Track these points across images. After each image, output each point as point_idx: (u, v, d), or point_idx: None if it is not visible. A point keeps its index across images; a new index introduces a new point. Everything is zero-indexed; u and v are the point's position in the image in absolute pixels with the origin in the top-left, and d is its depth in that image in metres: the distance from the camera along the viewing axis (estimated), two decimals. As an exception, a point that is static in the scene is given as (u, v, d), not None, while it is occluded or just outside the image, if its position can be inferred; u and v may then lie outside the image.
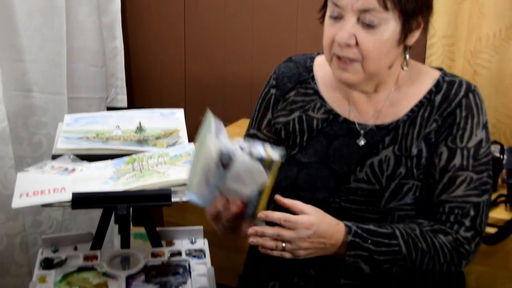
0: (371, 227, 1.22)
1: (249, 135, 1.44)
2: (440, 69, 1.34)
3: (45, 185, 1.42)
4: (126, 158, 1.55)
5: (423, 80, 1.31)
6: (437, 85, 1.30)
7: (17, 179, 1.47)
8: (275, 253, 1.16)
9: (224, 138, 1.08)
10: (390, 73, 1.29)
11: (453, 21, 2.05)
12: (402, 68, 1.29)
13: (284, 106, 1.39)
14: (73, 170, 1.48)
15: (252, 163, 1.07)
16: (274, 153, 1.09)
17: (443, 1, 2.02)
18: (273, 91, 1.40)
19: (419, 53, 2.12)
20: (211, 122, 1.09)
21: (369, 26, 1.19)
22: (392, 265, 1.22)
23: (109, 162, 1.53)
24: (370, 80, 1.28)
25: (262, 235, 1.14)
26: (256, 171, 1.09)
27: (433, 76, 1.32)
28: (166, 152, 1.56)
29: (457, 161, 1.25)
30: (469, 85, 1.30)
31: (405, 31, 1.22)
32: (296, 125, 1.36)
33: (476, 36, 2.03)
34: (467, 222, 1.24)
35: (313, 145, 1.34)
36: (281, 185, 1.36)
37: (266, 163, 1.08)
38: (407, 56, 1.27)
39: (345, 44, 1.20)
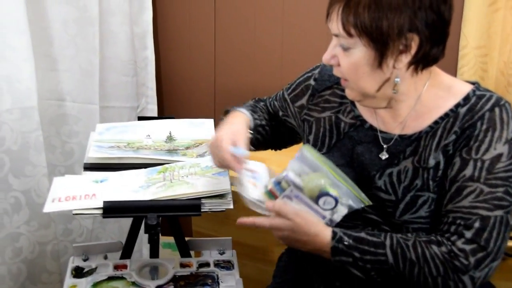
0: (361, 234, 1.22)
1: (283, 97, 1.52)
2: (474, 83, 1.29)
3: (77, 191, 1.44)
4: (159, 167, 1.56)
5: (453, 95, 1.27)
6: (466, 99, 1.26)
7: (52, 183, 1.49)
8: None
9: None
10: (398, 93, 1.25)
11: (486, 32, 2.02)
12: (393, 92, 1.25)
13: (318, 101, 1.42)
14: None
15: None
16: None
17: (476, 11, 2.00)
18: (312, 83, 1.43)
19: (450, 64, 2.10)
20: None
21: (344, 49, 1.22)
22: (380, 274, 1.21)
23: (142, 170, 1.55)
24: (371, 98, 1.26)
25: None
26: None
27: (464, 91, 1.27)
28: (197, 162, 1.56)
29: (467, 171, 1.21)
30: (498, 100, 1.24)
31: (381, 57, 1.19)
32: (327, 125, 1.38)
33: (510, 46, 2.01)
34: (468, 234, 1.18)
35: (340, 148, 1.35)
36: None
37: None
38: (397, 80, 1.22)
39: (328, 64, 1.27)
